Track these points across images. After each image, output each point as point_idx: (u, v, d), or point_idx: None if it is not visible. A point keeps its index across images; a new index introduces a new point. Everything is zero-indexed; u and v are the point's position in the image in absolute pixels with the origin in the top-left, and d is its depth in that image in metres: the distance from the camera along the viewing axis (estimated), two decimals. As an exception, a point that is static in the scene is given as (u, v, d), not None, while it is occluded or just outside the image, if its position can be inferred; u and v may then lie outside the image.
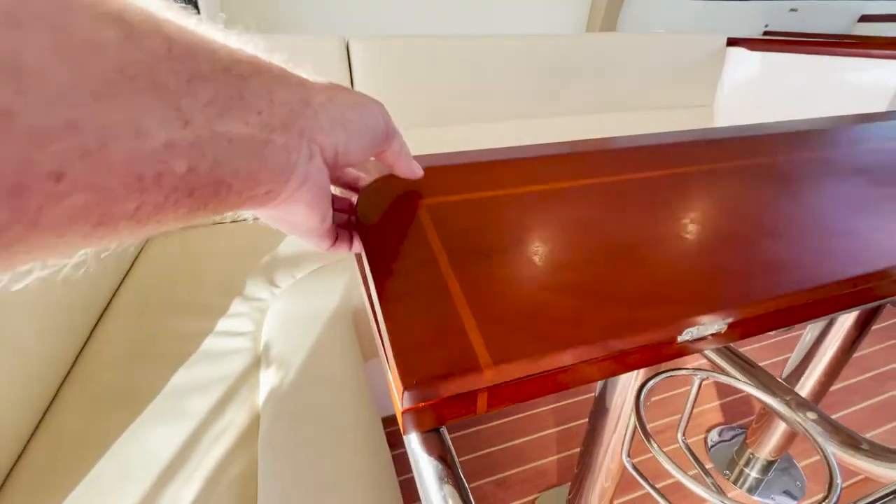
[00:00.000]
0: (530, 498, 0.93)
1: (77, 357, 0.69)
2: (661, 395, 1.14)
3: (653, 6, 1.81)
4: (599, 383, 0.54)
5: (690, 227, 0.30)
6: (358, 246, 0.29)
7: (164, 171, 0.14)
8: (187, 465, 0.53)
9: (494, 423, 1.07)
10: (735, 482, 0.96)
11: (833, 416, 1.08)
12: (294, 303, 0.82)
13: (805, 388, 0.81)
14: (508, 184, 0.36)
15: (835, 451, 0.34)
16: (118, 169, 0.13)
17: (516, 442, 1.03)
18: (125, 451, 0.54)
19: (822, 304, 0.26)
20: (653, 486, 0.34)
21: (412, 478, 0.20)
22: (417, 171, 0.31)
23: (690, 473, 0.34)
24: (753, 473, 0.95)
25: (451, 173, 0.37)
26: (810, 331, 0.78)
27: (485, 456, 1.00)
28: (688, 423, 0.41)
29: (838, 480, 0.28)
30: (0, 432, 0.53)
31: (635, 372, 0.45)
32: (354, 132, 0.23)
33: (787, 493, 0.94)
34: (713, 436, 1.06)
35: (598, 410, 0.56)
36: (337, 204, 0.32)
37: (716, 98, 1.54)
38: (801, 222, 0.32)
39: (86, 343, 0.72)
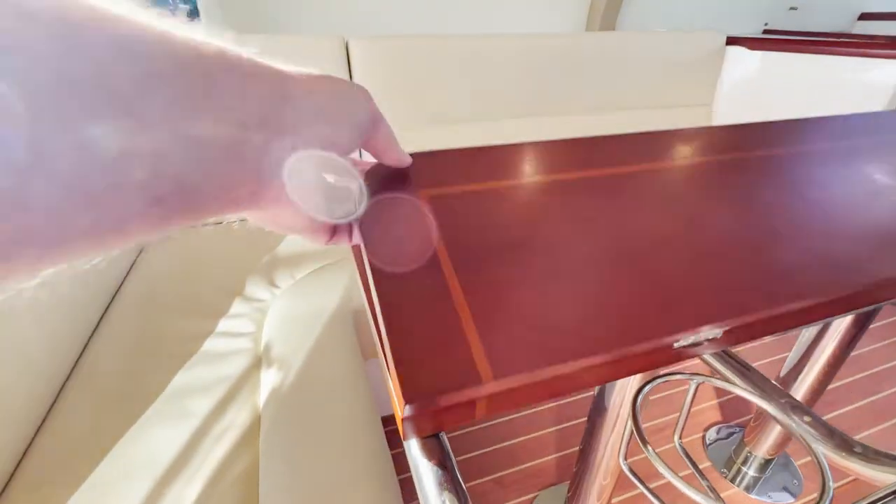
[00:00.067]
0: (529, 496, 0.93)
1: (79, 358, 0.70)
2: (660, 394, 1.15)
3: (652, 5, 1.81)
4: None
5: (695, 227, 0.30)
6: (358, 237, 0.27)
7: (121, 182, 0.13)
8: (189, 465, 0.53)
9: (494, 422, 1.08)
10: (732, 480, 0.96)
11: (830, 415, 1.09)
12: (294, 303, 0.82)
13: (802, 387, 0.81)
14: (513, 174, 0.34)
15: (828, 454, 0.35)
16: (59, 186, 0.12)
17: (515, 441, 1.04)
18: (128, 451, 0.55)
19: (820, 308, 0.26)
20: (649, 489, 0.35)
21: (411, 477, 0.21)
22: (405, 159, 0.30)
23: (686, 474, 0.34)
24: (751, 472, 0.95)
25: (452, 161, 0.35)
26: (808, 330, 0.78)
27: (484, 455, 1.01)
28: (684, 425, 0.41)
29: (830, 483, 0.29)
30: (4, 433, 0.53)
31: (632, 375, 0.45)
32: (340, 123, 0.22)
33: (785, 490, 0.95)
34: (711, 434, 1.06)
35: (597, 410, 0.57)
36: None
37: (715, 97, 1.54)
38: (806, 222, 0.31)
39: (87, 344, 0.72)
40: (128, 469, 0.53)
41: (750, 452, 0.95)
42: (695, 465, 0.37)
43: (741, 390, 0.34)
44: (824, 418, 1.09)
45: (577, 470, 0.68)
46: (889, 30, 2.58)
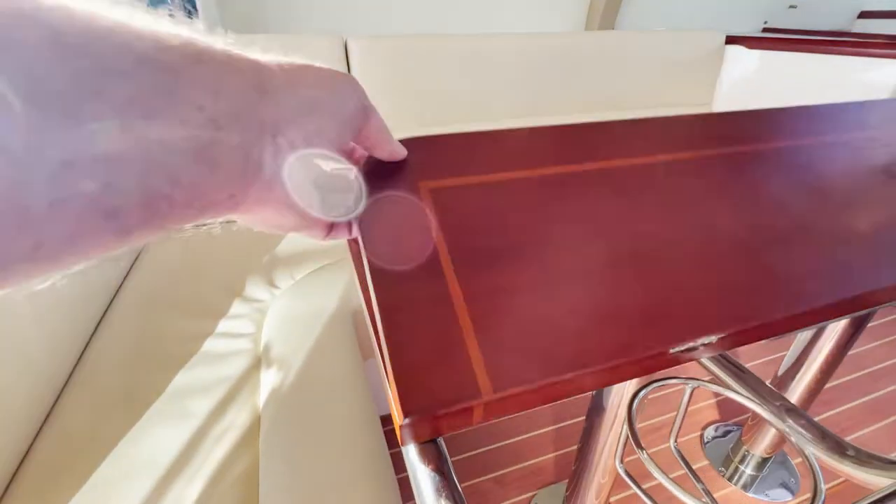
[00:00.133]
0: (528, 494, 0.94)
1: (79, 358, 0.70)
2: (658, 394, 1.16)
3: (651, 4, 1.81)
4: (595, 385, 0.54)
5: (700, 227, 0.29)
6: (357, 231, 0.26)
7: (67, 196, 0.12)
8: (190, 466, 0.54)
9: (493, 421, 1.08)
10: (730, 479, 0.97)
11: (828, 414, 1.10)
12: (294, 303, 0.82)
13: (799, 386, 0.82)
14: (519, 164, 0.32)
15: (821, 457, 0.35)
16: None
17: (514, 440, 1.04)
18: (129, 451, 0.55)
19: (817, 314, 0.26)
20: (645, 492, 0.35)
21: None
22: (400, 152, 0.28)
23: (682, 475, 0.34)
24: (748, 470, 0.96)
25: (454, 148, 0.33)
26: (805, 331, 0.79)
27: (483, 453, 1.01)
28: (680, 428, 0.42)
29: (822, 486, 0.29)
30: (5, 434, 0.54)
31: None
32: (326, 116, 0.20)
33: (783, 487, 0.96)
34: (709, 433, 1.07)
35: (595, 410, 0.57)
36: None
37: (714, 97, 1.54)
38: (810, 223, 0.30)
39: (88, 344, 0.72)
40: (129, 469, 0.53)
41: (747, 451, 0.95)
42: (690, 467, 0.38)
43: (735, 394, 0.35)
44: (822, 417, 1.10)
45: (575, 469, 0.69)
46: (889, 28, 2.58)
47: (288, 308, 0.81)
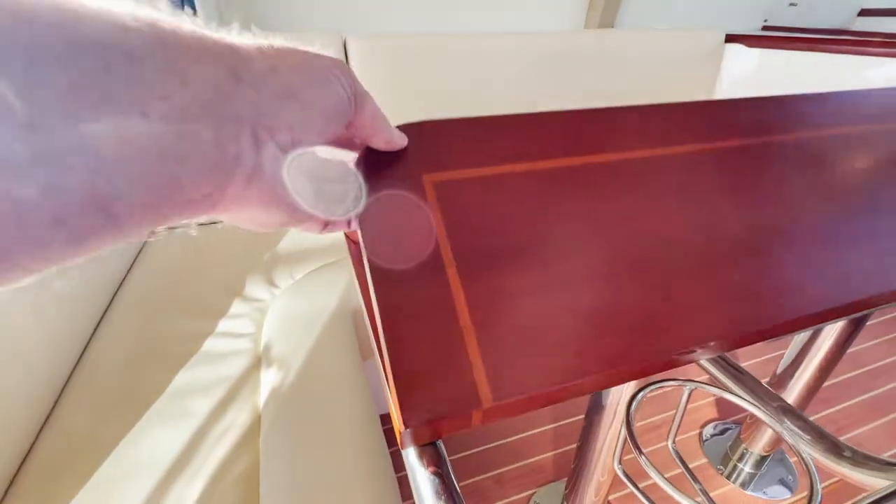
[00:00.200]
0: (527, 493, 0.94)
1: (80, 358, 0.70)
2: (656, 393, 1.16)
3: (651, 2, 1.80)
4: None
5: (705, 226, 0.28)
6: (356, 224, 0.25)
7: None
8: (191, 465, 0.54)
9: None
10: (728, 477, 0.97)
11: (826, 412, 1.10)
12: (294, 303, 0.83)
13: (798, 385, 0.82)
14: (529, 155, 0.30)
15: (818, 458, 0.35)
16: None
17: (513, 438, 1.05)
18: (129, 451, 0.55)
19: (816, 317, 0.26)
20: (643, 493, 0.35)
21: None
22: (398, 141, 0.26)
23: (677, 473, 0.34)
24: (747, 468, 0.96)
25: (461, 135, 0.31)
26: (804, 331, 0.79)
27: (483, 452, 1.02)
28: (678, 429, 0.42)
29: (818, 487, 0.29)
30: (6, 434, 0.54)
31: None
32: (311, 105, 0.18)
33: (781, 484, 0.96)
34: (707, 431, 1.07)
35: (594, 409, 0.58)
36: None
37: (714, 95, 1.54)
38: (816, 222, 0.29)
39: (88, 344, 0.72)
40: (129, 469, 0.53)
41: (746, 449, 0.96)
42: (688, 468, 0.38)
43: (732, 395, 0.35)
44: (820, 415, 1.10)
45: (574, 467, 0.69)
46: (889, 26, 2.57)
47: (288, 307, 0.81)
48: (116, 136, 0.12)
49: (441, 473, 0.20)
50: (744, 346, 0.25)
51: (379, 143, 0.25)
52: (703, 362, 0.45)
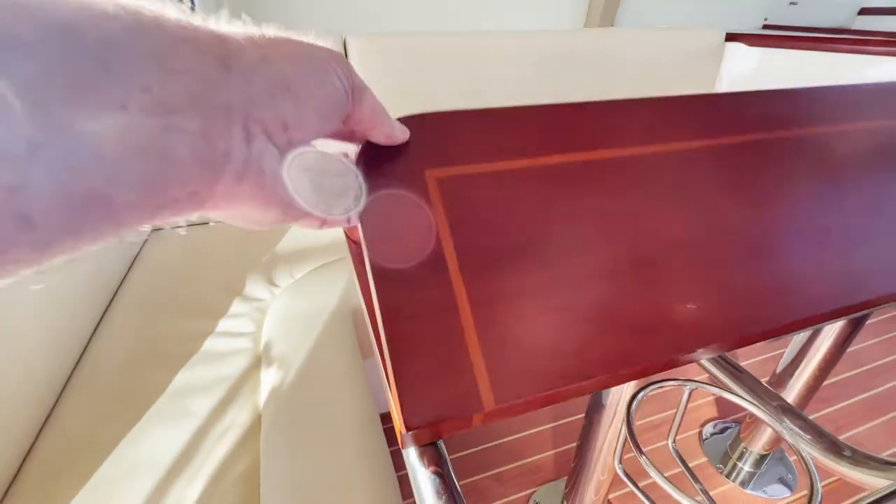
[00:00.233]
0: (527, 492, 0.94)
1: (79, 359, 0.70)
2: (657, 392, 1.16)
3: (651, 0, 1.80)
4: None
5: (710, 225, 0.27)
6: (356, 219, 0.24)
7: None
8: (191, 465, 0.54)
9: (492, 418, 1.09)
10: (728, 476, 0.98)
11: (826, 411, 1.10)
12: (294, 302, 0.83)
13: (797, 384, 0.82)
14: (538, 150, 0.29)
15: (817, 457, 0.35)
16: None
17: (513, 437, 1.05)
18: (129, 451, 0.55)
19: (815, 319, 0.26)
20: (643, 492, 0.35)
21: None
22: (400, 135, 0.25)
23: (677, 472, 0.34)
24: (746, 467, 0.96)
25: (468, 128, 0.30)
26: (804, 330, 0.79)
27: (483, 451, 1.02)
28: (678, 429, 0.42)
29: (818, 486, 0.29)
30: (6, 434, 0.54)
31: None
32: (305, 97, 0.17)
33: (780, 483, 0.96)
34: (707, 430, 1.07)
35: (594, 408, 0.58)
36: None
37: (714, 94, 1.54)
38: (821, 222, 0.28)
39: (88, 344, 0.72)
40: (129, 469, 0.53)
41: (746, 448, 0.96)
42: (688, 468, 0.38)
43: (732, 395, 0.35)
44: (819, 414, 1.10)
45: (574, 466, 0.69)
46: (889, 25, 2.57)
47: (288, 307, 0.81)
48: (90, 130, 0.11)
49: (442, 473, 0.20)
50: (744, 345, 0.25)
51: (379, 138, 0.25)
52: (703, 361, 0.45)
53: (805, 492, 0.96)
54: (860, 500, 0.26)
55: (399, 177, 0.25)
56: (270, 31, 0.17)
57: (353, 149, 0.26)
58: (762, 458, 0.95)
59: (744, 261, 0.27)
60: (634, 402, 0.36)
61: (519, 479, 0.97)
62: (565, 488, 0.76)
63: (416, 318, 0.21)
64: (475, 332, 0.21)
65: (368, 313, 0.24)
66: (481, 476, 0.97)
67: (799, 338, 0.80)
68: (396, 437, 0.20)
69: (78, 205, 0.12)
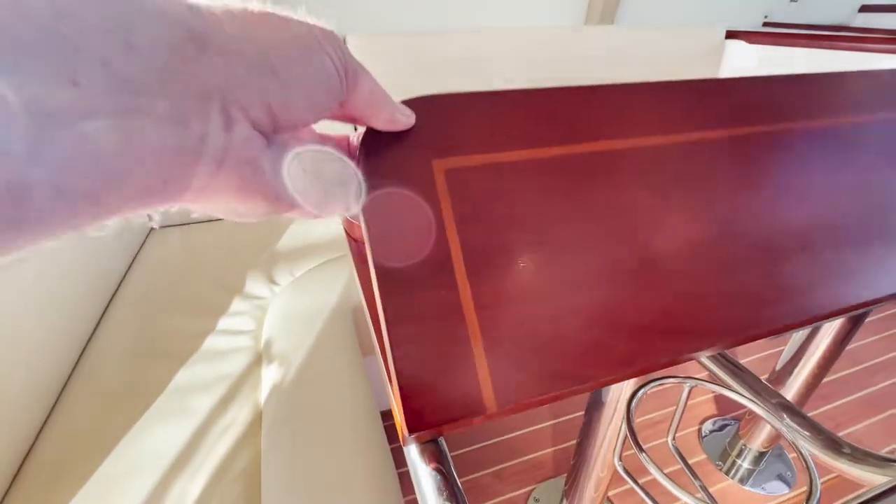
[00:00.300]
0: (527, 489, 0.95)
1: (80, 357, 0.70)
2: (657, 389, 1.16)
3: (652, -3, 1.80)
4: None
5: (718, 223, 0.27)
6: (357, 208, 0.22)
7: None
8: (192, 462, 0.54)
9: (492, 415, 1.09)
10: (727, 473, 0.98)
11: (825, 408, 1.11)
12: (294, 300, 0.83)
13: (797, 382, 0.83)
14: (549, 139, 0.27)
15: (817, 454, 0.35)
16: None
17: (513, 434, 1.05)
18: (131, 449, 0.56)
19: (820, 317, 0.26)
20: (643, 489, 0.36)
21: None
22: (403, 120, 0.23)
23: (677, 469, 0.34)
24: (745, 464, 0.97)
25: (478, 113, 0.27)
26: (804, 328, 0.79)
27: (483, 448, 1.02)
28: (678, 426, 0.42)
29: (817, 482, 0.29)
30: (8, 432, 0.54)
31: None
32: (292, 79, 0.15)
33: (779, 480, 0.97)
34: (707, 427, 1.08)
35: (594, 405, 0.58)
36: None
37: (714, 91, 1.53)
38: (830, 225, 0.28)
39: (88, 343, 0.73)
40: (131, 466, 0.54)
41: (745, 445, 0.96)
42: (688, 465, 0.38)
43: (732, 392, 0.35)
44: (818, 411, 1.10)
45: (574, 463, 0.69)
46: (890, 22, 2.57)
47: (288, 305, 0.81)
48: (35, 109, 0.10)
49: (443, 470, 0.20)
50: (744, 343, 0.25)
51: (381, 124, 0.22)
52: (703, 359, 0.46)
53: (804, 488, 0.96)
54: (859, 496, 0.27)
55: (404, 169, 0.23)
56: (254, 4, 0.15)
57: (353, 133, 0.24)
58: (761, 455, 0.96)
59: (748, 259, 0.26)
60: (634, 400, 0.36)
61: (519, 476, 0.97)
62: (565, 485, 0.76)
63: (419, 320, 0.21)
64: (479, 332, 0.21)
65: (369, 310, 0.24)
66: (482, 473, 0.97)
67: (798, 335, 0.80)
68: (397, 434, 0.20)
69: (15, 195, 0.10)
